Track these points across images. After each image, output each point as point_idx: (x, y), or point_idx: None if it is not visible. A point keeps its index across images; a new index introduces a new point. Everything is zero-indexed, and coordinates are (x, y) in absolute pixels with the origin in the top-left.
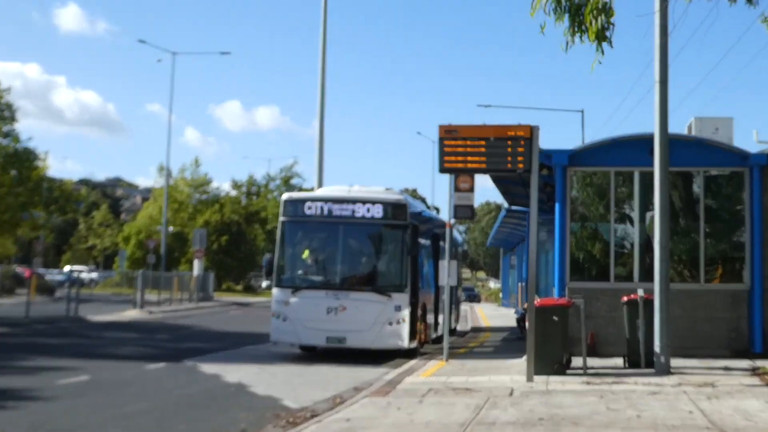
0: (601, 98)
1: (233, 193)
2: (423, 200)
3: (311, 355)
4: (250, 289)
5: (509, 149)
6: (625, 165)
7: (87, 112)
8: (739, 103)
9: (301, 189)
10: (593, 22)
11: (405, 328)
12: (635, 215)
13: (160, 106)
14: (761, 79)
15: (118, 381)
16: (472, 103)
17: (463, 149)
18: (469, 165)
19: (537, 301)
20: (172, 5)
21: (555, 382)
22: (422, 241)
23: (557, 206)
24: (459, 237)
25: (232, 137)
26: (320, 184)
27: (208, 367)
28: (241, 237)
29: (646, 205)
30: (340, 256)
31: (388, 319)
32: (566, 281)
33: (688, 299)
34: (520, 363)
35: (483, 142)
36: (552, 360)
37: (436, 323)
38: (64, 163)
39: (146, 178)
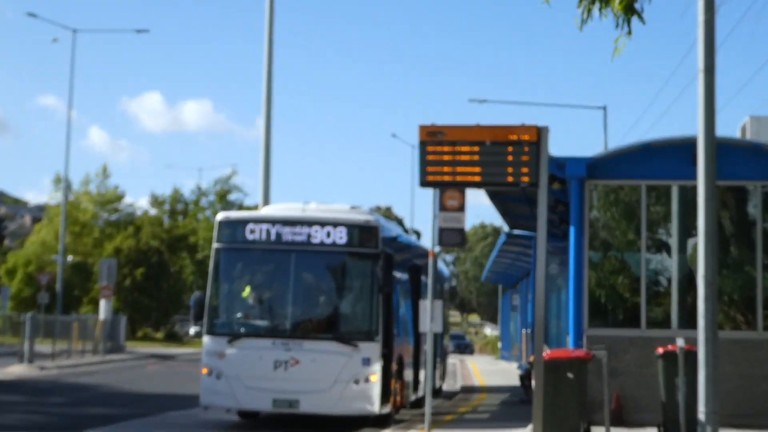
0: (629, 92)
1: (153, 211)
2: (400, 222)
3: (253, 423)
4: (173, 338)
5: (510, 157)
6: (660, 177)
7: None
8: None
9: (241, 207)
10: None
11: (375, 389)
12: (673, 242)
13: (56, 98)
14: None
15: None
16: (462, 97)
17: (450, 157)
18: (459, 177)
19: (546, 353)
20: None
21: None
22: (398, 274)
23: (572, 230)
24: (445, 269)
25: (152, 140)
26: (266, 201)
27: None
28: (163, 269)
29: (688, 229)
30: (292, 294)
31: (353, 377)
32: (584, 327)
33: (741, 352)
34: None
35: (477, 148)
36: (566, 430)
37: (416, 381)
38: None
39: (38, 193)
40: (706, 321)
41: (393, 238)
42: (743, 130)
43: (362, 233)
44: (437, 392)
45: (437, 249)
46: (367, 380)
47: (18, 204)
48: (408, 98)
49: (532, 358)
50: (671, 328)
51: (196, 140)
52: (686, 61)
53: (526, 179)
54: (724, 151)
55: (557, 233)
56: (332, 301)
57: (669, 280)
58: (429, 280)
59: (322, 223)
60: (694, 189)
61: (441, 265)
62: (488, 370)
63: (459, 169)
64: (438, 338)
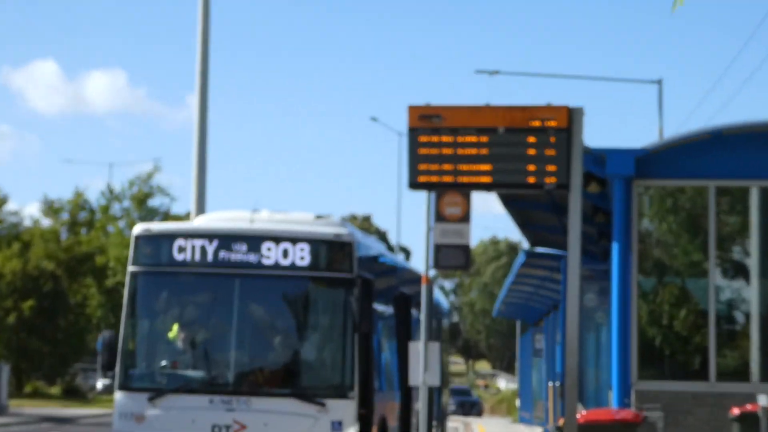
0: (690, 65)
1: (46, 222)
2: (382, 236)
3: None
4: (74, 394)
5: (531, 150)
6: (735, 176)
7: None
8: None
9: (167, 217)
10: None
11: None
12: (753, 264)
13: None
14: None
15: None
16: (468, 68)
17: (451, 149)
18: (462, 177)
19: (582, 414)
20: None
21: None
22: (380, 307)
23: (616, 248)
24: (444, 301)
25: (44, 124)
26: (201, 209)
27: None
28: (60, 301)
29: None
30: (236, 334)
31: None
32: (632, 379)
33: None
34: None
35: (486, 137)
36: None
37: None
38: None
39: None
40: None
41: (373, 258)
42: None
43: (331, 252)
44: None
45: (433, 273)
46: None
47: None
48: (393, 69)
49: (561, 422)
50: (750, 381)
51: (105, 125)
52: (766, 25)
53: (552, 179)
54: None
55: (595, 251)
56: (291, 344)
57: (747, 316)
58: (422, 314)
59: (277, 239)
60: None
61: (438, 294)
62: None
63: (462, 165)
64: (434, 394)
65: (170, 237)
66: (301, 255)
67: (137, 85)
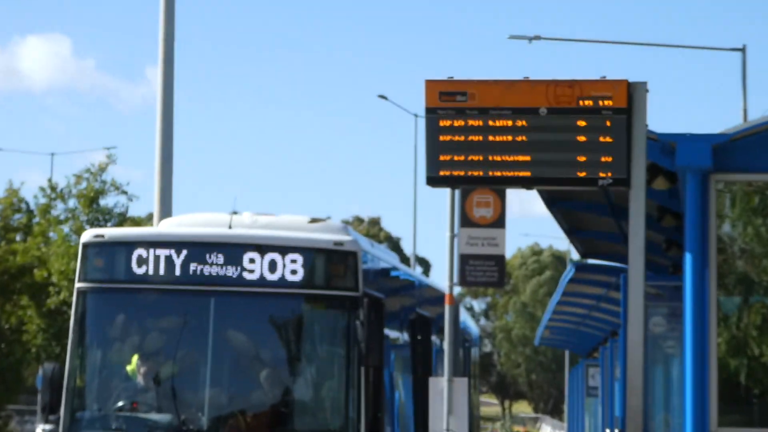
0: None
1: None
2: (394, 244)
3: None
4: None
5: (581, 136)
6: None
7: None
8: None
9: (124, 221)
10: None
11: None
12: None
13: None
14: None
15: None
16: (501, 33)
17: (479, 136)
18: (494, 170)
19: None
20: None
21: None
22: (392, 334)
23: (689, 259)
24: (473, 326)
25: None
26: (166, 210)
27: None
28: None
29: None
30: (211, 368)
31: None
32: (711, 427)
33: None
34: None
35: (524, 121)
36: None
37: None
38: None
39: None
40: None
41: (383, 271)
42: None
43: (330, 264)
44: None
45: (458, 291)
46: None
47: None
48: (406, 36)
49: None
50: None
51: (44, 105)
52: None
53: (608, 173)
54: None
55: (664, 264)
56: (280, 381)
57: None
58: (446, 343)
59: (263, 248)
60: None
61: (465, 317)
62: None
63: (494, 156)
64: None
65: (128, 245)
66: (292, 268)
67: (85, 55)
